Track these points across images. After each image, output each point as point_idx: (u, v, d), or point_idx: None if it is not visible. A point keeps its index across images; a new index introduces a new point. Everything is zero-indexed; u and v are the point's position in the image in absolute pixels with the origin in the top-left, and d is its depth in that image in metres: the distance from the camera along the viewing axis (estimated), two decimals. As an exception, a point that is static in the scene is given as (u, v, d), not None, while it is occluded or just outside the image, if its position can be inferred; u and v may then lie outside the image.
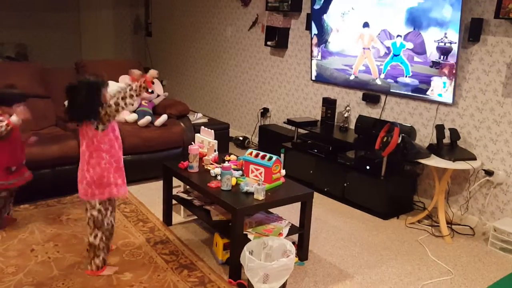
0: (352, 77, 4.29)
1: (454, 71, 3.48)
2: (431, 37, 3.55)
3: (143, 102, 4.47)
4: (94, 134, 2.49)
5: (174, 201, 3.33)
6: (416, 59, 3.70)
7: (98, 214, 2.57)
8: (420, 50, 3.66)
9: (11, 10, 6.88)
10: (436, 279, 2.84)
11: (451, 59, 3.47)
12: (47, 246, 2.93)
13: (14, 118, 2.93)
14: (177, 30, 7.05)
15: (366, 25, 4.02)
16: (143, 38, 8.02)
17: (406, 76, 3.82)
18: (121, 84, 3.83)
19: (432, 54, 3.58)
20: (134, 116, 4.26)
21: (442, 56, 3.50)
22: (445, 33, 3.44)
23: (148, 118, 4.21)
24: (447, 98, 3.58)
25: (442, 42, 3.46)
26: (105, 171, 2.52)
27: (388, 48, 3.89)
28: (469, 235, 3.47)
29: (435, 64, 3.57)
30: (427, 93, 3.70)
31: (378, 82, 4.05)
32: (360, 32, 4.09)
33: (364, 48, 4.10)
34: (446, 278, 2.85)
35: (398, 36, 3.77)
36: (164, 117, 4.29)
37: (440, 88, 3.59)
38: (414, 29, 3.66)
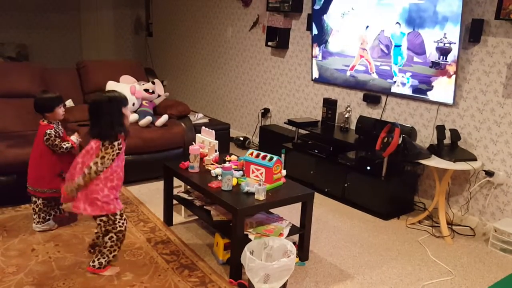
0: (348, 74, 4.29)
1: (454, 71, 3.49)
2: (431, 38, 3.55)
3: (144, 102, 4.47)
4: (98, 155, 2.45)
5: (174, 201, 3.33)
6: (415, 59, 3.71)
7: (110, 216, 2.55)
8: (419, 50, 3.66)
9: (12, 11, 6.89)
10: (436, 279, 2.84)
11: (451, 60, 3.47)
12: (47, 246, 2.93)
13: (74, 138, 3.12)
14: (178, 30, 7.05)
15: (367, 28, 4.02)
16: (144, 38, 8.03)
17: (394, 76, 3.83)
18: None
19: (432, 54, 3.58)
20: (135, 117, 4.26)
21: (441, 57, 3.50)
22: (445, 34, 3.44)
23: (149, 119, 4.22)
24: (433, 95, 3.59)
25: (441, 42, 3.47)
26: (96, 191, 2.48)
27: (387, 46, 3.89)
28: (469, 236, 3.47)
29: (434, 65, 3.57)
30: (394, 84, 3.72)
31: (375, 76, 4.07)
32: (360, 34, 4.09)
33: (362, 49, 4.11)
34: (446, 279, 2.85)
35: (396, 23, 3.75)
36: (165, 118, 4.30)
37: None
38: (413, 29, 3.66)
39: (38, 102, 3.03)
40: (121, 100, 2.52)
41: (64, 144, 3.01)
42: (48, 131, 2.97)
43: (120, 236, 2.60)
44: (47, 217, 3.13)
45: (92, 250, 2.78)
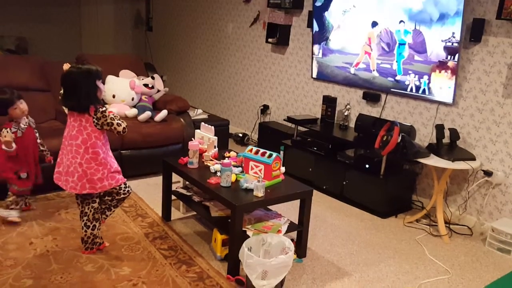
0: (352, 70, 4.29)
1: (455, 71, 3.49)
2: (433, 36, 3.54)
3: (143, 97, 4.46)
4: (93, 130, 2.54)
5: (173, 197, 3.33)
6: (416, 57, 3.70)
7: (97, 206, 2.70)
8: (420, 49, 3.66)
9: (11, 3, 6.86)
10: (433, 278, 2.85)
11: (457, 59, 3.46)
12: (45, 239, 2.93)
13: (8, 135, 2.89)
14: (178, 25, 7.03)
15: (374, 24, 4.01)
16: (143, 33, 8.01)
17: (398, 74, 3.82)
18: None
19: (433, 53, 3.58)
20: (134, 111, 4.26)
21: (449, 56, 3.48)
22: (453, 33, 3.42)
23: (148, 114, 4.21)
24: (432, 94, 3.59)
25: (449, 41, 3.45)
26: (101, 166, 2.58)
27: (388, 44, 3.89)
28: (467, 235, 3.48)
29: (442, 64, 3.55)
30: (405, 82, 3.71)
31: (376, 74, 4.07)
32: (368, 31, 4.08)
33: (368, 46, 4.12)
34: (443, 278, 2.86)
35: (401, 21, 3.74)
36: (164, 113, 4.29)
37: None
38: (415, 27, 3.66)
39: None
40: (96, 73, 2.56)
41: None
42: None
43: (100, 222, 2.79)
44: (13, 206, 3.11)
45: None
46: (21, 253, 2.75)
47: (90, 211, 2.71)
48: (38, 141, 3.19)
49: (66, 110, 2.64)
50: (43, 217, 3.23)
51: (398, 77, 3.89)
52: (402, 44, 3.80)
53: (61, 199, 3.54)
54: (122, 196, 2.76)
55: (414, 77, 3.76)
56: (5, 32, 6.76)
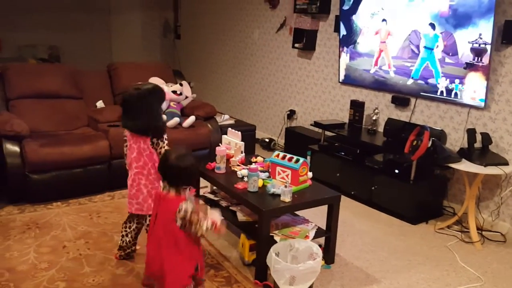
0: (372, 71, 4.26)
1: (486, 74, 3.41)
2: (464, 38, 3.48)
3: (171, 104, 4.53)
4: (151, 151, 2.59)
5: (201, 202, 3.36)
6: (447, 60, 3.64)
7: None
8: (451, 51, 3.60)
9: (44, 12, 7.05)
10: (465, 285, 2.78)
11: (486, 61, 3.39)
12: (78, 243, 3.00)
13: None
14: (205, 32, 7.12)
15: (384, 20, 4.08)
16: (172, 41, 8.13)
17: (436, 79, 3.76)
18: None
19: (464, 55, 3.51)
20: (163, 118, 4.32)
21: (476, 58, 3.42)
22: (480, 34, 3.36)
23: (176, 120, 4.27)
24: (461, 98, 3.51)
25: (476, 43, 3.38)
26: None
27: (417, 46, 3.84)
28: (500, 242, 3.38)
29: (469, 66, 3.49)
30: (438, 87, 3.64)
31: (392, 74, 4.08)
32: (379, 28, 4.11)
33: (381, 42, 4.14)
34: (475, 285, 2.79)
35: (430, 24, 3.69)
36: (192, 119, 4.34)
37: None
38: (445, 29, 3.60)
39: (189, 168, 2.03)
40: (159, 96, 2.59)
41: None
42: (183, 205, 2.02)
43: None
44: None
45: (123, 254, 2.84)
46: (55, 256, 2.83)
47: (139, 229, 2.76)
48: None
49: (126, 133, 2.62)
50: (75, 221, 3.32)
51: (439, 81, 3.83)
52: (429, 48, 3.74)
53: (93, 204, 3.63)
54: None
55: (446, 80, 3.70)
56: (38, 41, 6.97)
